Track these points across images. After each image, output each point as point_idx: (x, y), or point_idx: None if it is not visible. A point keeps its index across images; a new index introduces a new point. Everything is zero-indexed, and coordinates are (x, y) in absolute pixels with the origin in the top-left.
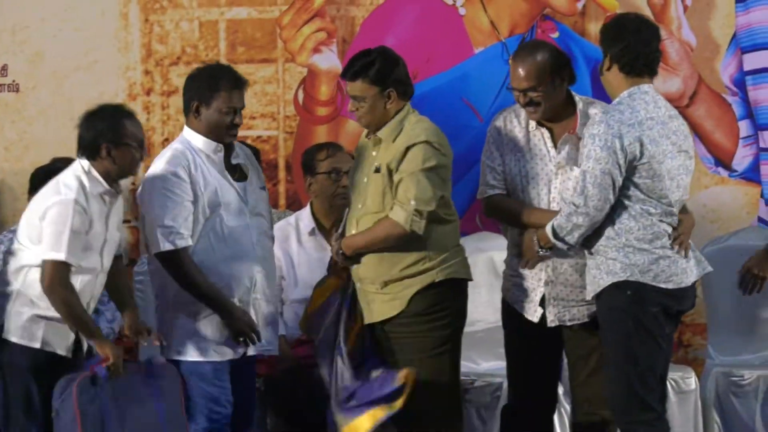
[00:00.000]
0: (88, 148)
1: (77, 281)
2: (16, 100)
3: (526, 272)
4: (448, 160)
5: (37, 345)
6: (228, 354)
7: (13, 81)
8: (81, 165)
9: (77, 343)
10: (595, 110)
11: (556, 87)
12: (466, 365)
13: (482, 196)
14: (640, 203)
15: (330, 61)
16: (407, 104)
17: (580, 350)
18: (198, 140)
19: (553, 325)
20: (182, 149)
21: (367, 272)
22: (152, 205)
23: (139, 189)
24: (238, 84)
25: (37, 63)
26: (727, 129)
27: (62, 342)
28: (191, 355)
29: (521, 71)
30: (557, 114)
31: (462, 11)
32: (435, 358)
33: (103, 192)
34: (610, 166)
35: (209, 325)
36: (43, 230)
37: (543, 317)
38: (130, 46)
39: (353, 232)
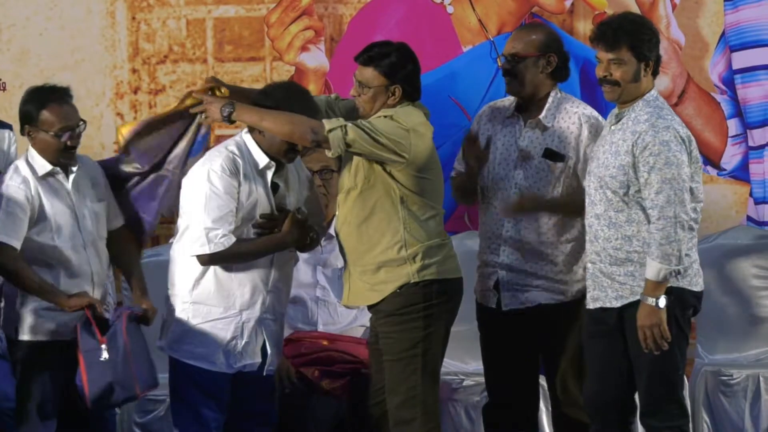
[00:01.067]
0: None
1: (68, 257)
2: (3, 98)
3: (485, 258)
4: (406, 134)
5: (46, 338)
6: (222, 366)
7: (0, 80)
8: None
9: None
10: (573, 107)
11: (539, 67)
12: (455, 364)
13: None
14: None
15: (318, 59)
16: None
17: (552, 343)
18: (256, 149)
19: (507, 309)
20: (234, 155)
21: (349, 251)
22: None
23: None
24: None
25: (23, 61)
26: (716, 127)
27: (68, 327)
28: (187, 357)
29: (515, 37)
30: (533, 102)
31: (450, 9)
32: (406, 360)
33: (48, 172)
34: (688, 169)
35: (212, 332)
36: None
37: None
38: (116, 45)
39: (342, 209)
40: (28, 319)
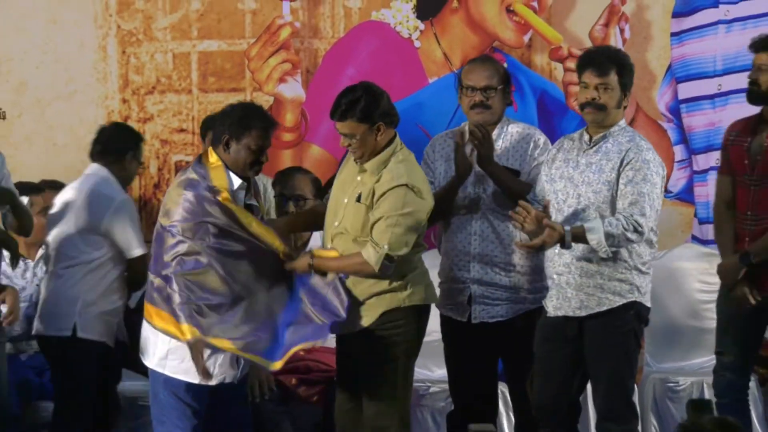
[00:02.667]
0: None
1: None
2: (2, 126)
3: (454, 274)
4: (425, 203)
5: (102, 339)
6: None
7: (0, 109)
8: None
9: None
10: (518, 129)
11: (505, 97)
12: (422, 372)
13: None
14: (650, 230)
15: (294, 90)
16: (396, 135)
17: (516, 353)
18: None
19: (476, 321)
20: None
21: (351, 285)
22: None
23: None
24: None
25: (21, 92)
26: (663, 153)
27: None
28: (168, 369)
29: (483, 70)
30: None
31: (417, 44)
32: (385, 372)
33: None
34: (661, 192)
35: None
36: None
37: (470, 318)
38: (108, 77)
39: (329, 246)
40: (94, 321)
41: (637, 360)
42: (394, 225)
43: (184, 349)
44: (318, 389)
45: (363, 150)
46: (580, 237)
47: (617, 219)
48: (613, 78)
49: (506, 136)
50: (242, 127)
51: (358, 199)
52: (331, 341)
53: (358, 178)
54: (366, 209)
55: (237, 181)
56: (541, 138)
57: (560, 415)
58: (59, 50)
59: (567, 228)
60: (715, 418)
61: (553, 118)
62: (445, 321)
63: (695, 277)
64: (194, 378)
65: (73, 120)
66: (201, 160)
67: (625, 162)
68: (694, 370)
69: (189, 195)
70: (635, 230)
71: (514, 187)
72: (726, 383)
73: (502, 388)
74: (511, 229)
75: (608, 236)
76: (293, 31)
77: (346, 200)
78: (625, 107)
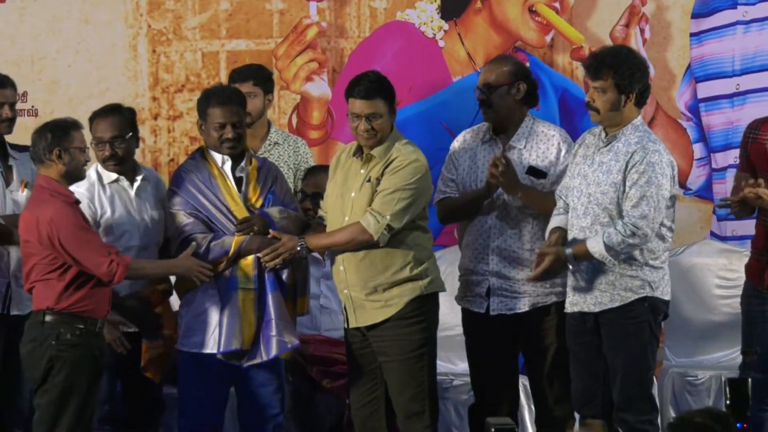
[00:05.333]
0: None
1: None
2: (35, 124)
3: (473, 267)
4: (429, 187)
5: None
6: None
7: (32, 107)
8: None
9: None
10: (546, 129)
11: (511, 96)
12: (445, 366)
13: (435, 201)
14: (662, 226)
15: (321, 89)
16: (395, 127)
17: (535, 346)
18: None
19: (495, 313)
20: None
21: (356, 277)
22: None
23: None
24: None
25: (53, 90)
26: (683, 151)
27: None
28: (185, 345)
29: (486, 68)
30: (506, 126)
31: (441, 43)
32: (414, 358)
33: (113, 180)
34: (667, 192)
35: (200, 318)
36: None
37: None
38: (138, 75)
39: None
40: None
41: (654, 353)
42: (399, 198)
43: (198, 322)
44: (342, 382)
45: (381, 133)
46: (583, 256)
47: (616, 228)
48: (607, 81)
49: (533, 135)
50: (203, 109)
51: (368, 181)
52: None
53: (362, 170)
54: (371, 188)
55: (218, 157)
56: (568, 139)
57: (597, 406)
58: (91, 50)
59: (568, 251)
60: (703, 410)
61: (574, 117)
62: (465, 314)
63: (714, 272)
64: (207, 347)
65: None
66: (201, 146)
67: (630, 164)
68: (713, 364)
69: (179, 168)
70: (633, 234)
71: (544, 206)
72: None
73: (524, 381)
74: (530, 223)
75: (608, 248)
76: (320, 30)
77: (353, 194)
78: (638, 105)
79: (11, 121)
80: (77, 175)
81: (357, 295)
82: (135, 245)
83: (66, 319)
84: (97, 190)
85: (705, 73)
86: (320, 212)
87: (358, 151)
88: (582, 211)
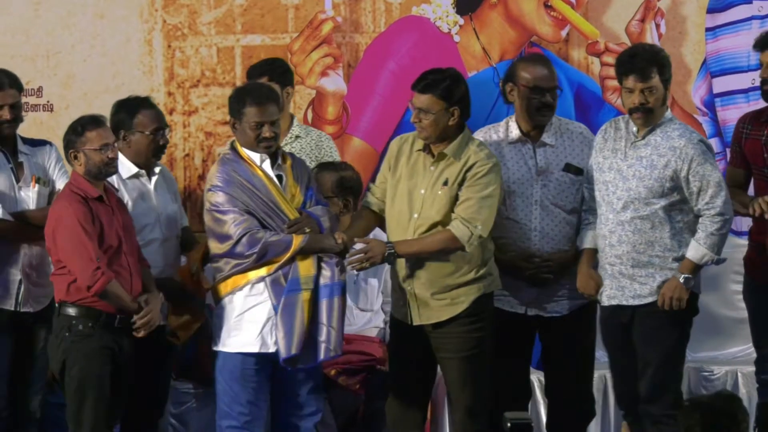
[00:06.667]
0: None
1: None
2: (50, 118)
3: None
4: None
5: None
6: (250, 346)
7: (48, 101)
8: None
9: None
10: (571, 126)
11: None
12: None
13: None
14: (693, 216)
15: (336, 83)
16: (466, 126)
17: (562, 346)
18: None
19: (532, 314)
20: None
21: (425, 276)
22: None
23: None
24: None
25: (69, 85)
26: None
27: None
28: (228, 346)
29: (548, 71)
30: (539, 125)
31: (456, 38)
32: (477, 356)
33: (134, 175)
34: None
35: (244, 318)
36: None
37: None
38: (154, 70)
39: (408, 238)
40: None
41: (685, 348)
42: (487, 206)
43: (243, 322)
44: (360, 378)
45: (432, 130)
46: (695, 270)
47: (704, 230)
48: (655, 80)
49: (565, 133)
50: (237, 108)
51: (445, 183)
52: (369, 331)
53: (432, 168)
54: (455, 192)
55: (256, 156)
56: (592, 136)
57: (638, 402)
58: (106, 44)
59: (681, 278)
60: (714, 394)
61: (589, 112)
62: (496, 312)
63: (730, 267)
64: (254, 347)
65: None
66: (233, 144)
67: (686, 158)
68: (729, 359)
69: (221, 168)
70: (724, 223)
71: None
72: None
73: (539, 377)
74: (573, 226)
75: (712, 248)
76: (335, 25)
77: (423, 191)
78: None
79: (12, 122)
80: (100, 173)
81: (422, 293)
82: (157, 238)
83: (80, 312)
84: (117, 184)
85: (720, 68)
86: (369, 197)
87: (426, 147)
88: (621, 205)
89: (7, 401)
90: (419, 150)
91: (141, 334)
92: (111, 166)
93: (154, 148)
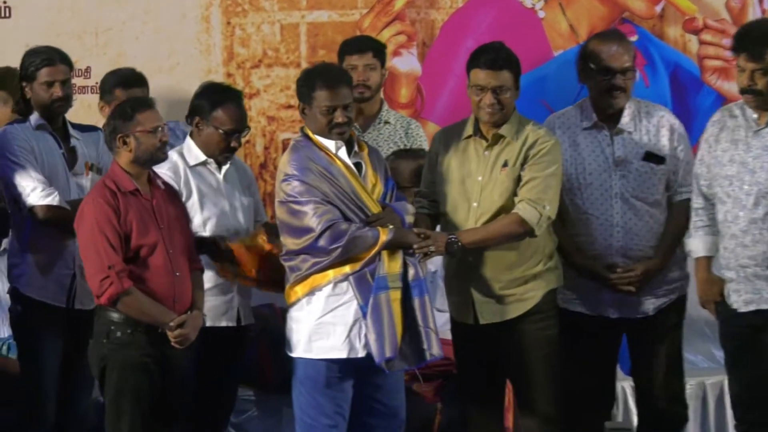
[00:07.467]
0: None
1: None
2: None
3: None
4: None
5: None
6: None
7: (96, 83)
8: None
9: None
10: (653, 110)
11: (635, 78)
12: None
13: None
14: None
15: (410, 63)
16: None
17: (649, 349)
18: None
19: (615, 317)
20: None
21: (490, 271)
22: None
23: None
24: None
25: (119, 65)
26: None
27: None
28: (314, 352)
29: (622, 49)
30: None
31: (541, 14)
32: (550, 356)
33: (201, 162)
34: None
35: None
36: None
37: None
38: (211, 49)
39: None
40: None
41: None
42: (553, 185)
43: (327, 325)
44: (435, 384)
45: (508, 110)
46: None
47: None
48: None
49: (645, 118)
50: (306, 92)
51: (505, 165)
52: (447, 333)
53: (486, 152)
54: (517, 173)
55: (330, 143)
56: (676, 122)
57: (759, 412)
58: (160, 20)
59: None
60: None
61: (687, 95)
62: (571, 316)
63: None
64: (341, 352)
65: (174, 95)
66: (304, 131)
67: None
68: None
69: (295, 156)
70: None
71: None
72: None
73: (630, 383)
74: (657, 220)
75: None
76: (409, 0)
77: (480, 178)
78: None
79: (64, 101)
80: (150, 159)
81: (486, 289)
82: (224, 234)
83: (119, 317)
84: (183, 171)
85: None
86: (421, 202)
87: (477, 131)
88: (751, 201)
89: (57, 404)
90: (468, 137)
91: (177, 347)
92: (162, 151)
93: (224, 148)
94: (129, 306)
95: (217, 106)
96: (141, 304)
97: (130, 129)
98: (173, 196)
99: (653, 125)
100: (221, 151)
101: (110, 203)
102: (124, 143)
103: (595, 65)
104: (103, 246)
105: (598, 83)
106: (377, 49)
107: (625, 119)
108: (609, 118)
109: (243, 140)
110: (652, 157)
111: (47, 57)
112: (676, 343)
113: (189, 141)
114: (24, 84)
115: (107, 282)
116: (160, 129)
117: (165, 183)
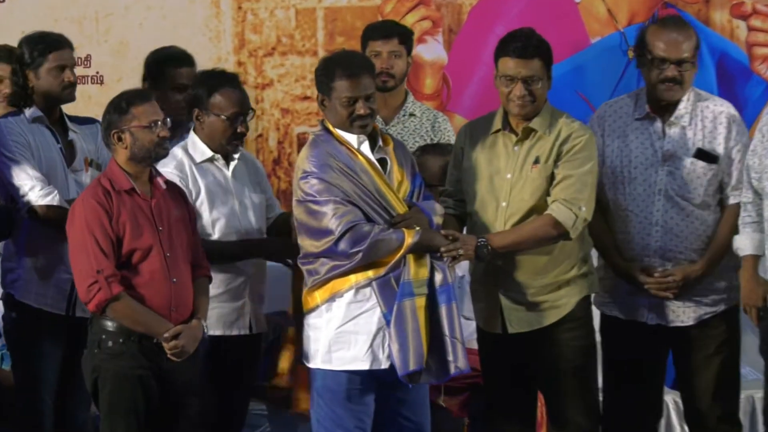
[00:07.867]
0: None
1: None
2: (100, 93)
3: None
4: None
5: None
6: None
7: (97, 72)
8: None
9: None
10: (711, 104)
11: (695, 69)
12: None
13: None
14: None
15: (435, 51)
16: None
17: (692, 361)
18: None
19: (653, 323)
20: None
21: (521, 277)
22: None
23: None
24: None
25: (122, 53)
26: None
27: None
28: (335, 363)
29: (680, 38)
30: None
31: None
32: (584, 367)
33: (208, 159)
34: None
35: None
36: None
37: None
38: (221, 36)
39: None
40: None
41: None
42: (589, 184)
43: (348, 334)
44: (462, 398)
45: (540, 102)
46: None
47: None
48: None
49: (699, 114)
50: (325, 82)
51: (536, 162)
52: (474, 343)
53: (516, 147)
54: (550, 171)
55: (352, 138)
56: (737, 115)
57: None
58: (166, 5)
59: None
60: None
61: (734, 84)
62: (607, 320)
63: None
64: (364, 363)
65: None
66: (324, 124)
67: None
68: None
69: (314, 151)
70: None
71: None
72: None
73: (675, 398)
74: (704, 223)
75: None
76: None
77: (509, 176)
78: None
79: (74, 86)
80: (148, 156)
81: (517, 297)
82: (233, 234)
83: (112, 326)
84: (189, 168)
85: None
86: (448, 202)
87: (506, 125)
88: None
89: (54, 415)
90: (496, 131)
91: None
92: (161, 147)
93: (230, 135)
94: (119, 313)
95: (214, 92)
96: (133, 311)
97: (125, 124)
98: (177, 196)
99: (710, 120)
100: (228, 140)
101: (102, 203)
102: (120, 139)
103: (650, 53)
104: (92, 249)
105: (652, 73)
106: (404, 35)
107: (680, 111)
108: (663, 109)
109: (255, 133)
110: (704, 155)
111: (55, 39)
112: (727, 359)
113: (193, 136)
114: (27, 72)
115: (95, 287)
116: (158, 123)
117: (168, 182)
